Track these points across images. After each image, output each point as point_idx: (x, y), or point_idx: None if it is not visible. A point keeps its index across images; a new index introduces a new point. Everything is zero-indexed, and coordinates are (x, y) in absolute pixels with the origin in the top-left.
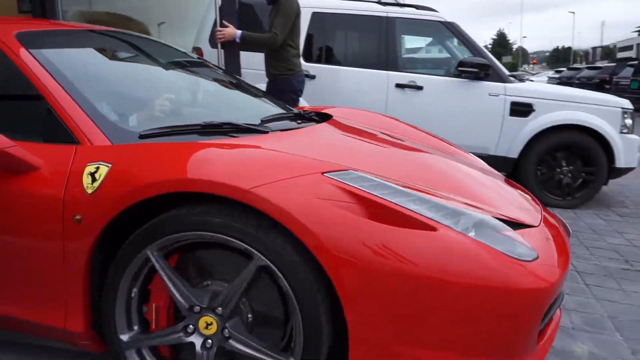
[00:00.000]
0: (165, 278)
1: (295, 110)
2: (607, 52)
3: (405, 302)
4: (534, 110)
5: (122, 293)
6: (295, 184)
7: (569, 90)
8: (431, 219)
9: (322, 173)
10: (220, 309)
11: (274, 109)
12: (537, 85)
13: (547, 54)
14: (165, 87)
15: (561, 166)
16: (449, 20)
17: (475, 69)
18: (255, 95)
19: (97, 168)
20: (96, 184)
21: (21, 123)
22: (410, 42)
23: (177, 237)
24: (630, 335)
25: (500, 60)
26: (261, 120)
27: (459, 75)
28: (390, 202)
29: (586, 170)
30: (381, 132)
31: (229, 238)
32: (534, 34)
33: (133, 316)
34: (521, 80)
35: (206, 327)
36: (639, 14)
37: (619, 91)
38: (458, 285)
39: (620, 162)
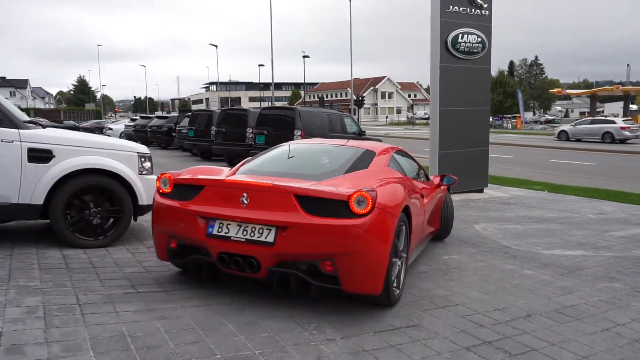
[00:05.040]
0: None
1: None
2: (184, 103)
3: None
4: (54, 156)
5: None
6: None
7: (89, 136)
8: None
9: None
10: None
11: None
12: (56, 132)
13: (132, 102)
14: None
15: (90, 208)
16: None
17: None
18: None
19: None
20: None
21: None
22: None
23: None
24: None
25: (83, 107)
26: None
27: None
28: None
29: (114, 210)
30: None
31: None
32: (116, 83)
33: None
34: (43, 126)
35: None
36: (205, 72)
37: (181, 138)
38: None
39: (143, 200)
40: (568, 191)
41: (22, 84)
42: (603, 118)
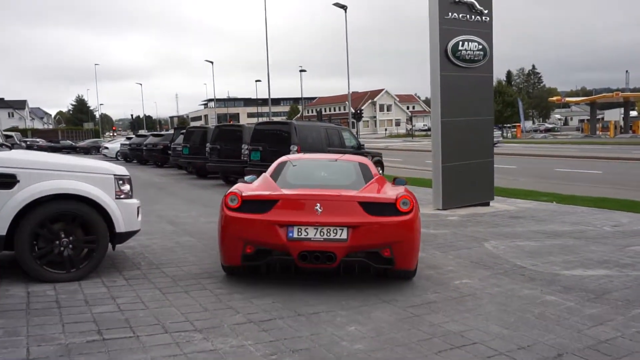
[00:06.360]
0: None
1: None
2: (182, 121)
3: None
4: (18, 181)
5: None
6: None
7: (60, 158)
8: None
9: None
10: None
11: None
12: (21, 154)
13: (130, 121)
14: None
15: (60, 238)
16: None
17: None
18: None
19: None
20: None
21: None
22: None
23: None
24: None
25: (82, 127)
26: None
27: None
28: None
29: (88, 239)
30: None
31: None
32: (115, 102)
33: None
34: (10, 148)
35: None
36: (203, 89)
37: (176, 156)
38: None
39: (120, 227)
40: (578, 202)
41: (20, 104)
42: None
